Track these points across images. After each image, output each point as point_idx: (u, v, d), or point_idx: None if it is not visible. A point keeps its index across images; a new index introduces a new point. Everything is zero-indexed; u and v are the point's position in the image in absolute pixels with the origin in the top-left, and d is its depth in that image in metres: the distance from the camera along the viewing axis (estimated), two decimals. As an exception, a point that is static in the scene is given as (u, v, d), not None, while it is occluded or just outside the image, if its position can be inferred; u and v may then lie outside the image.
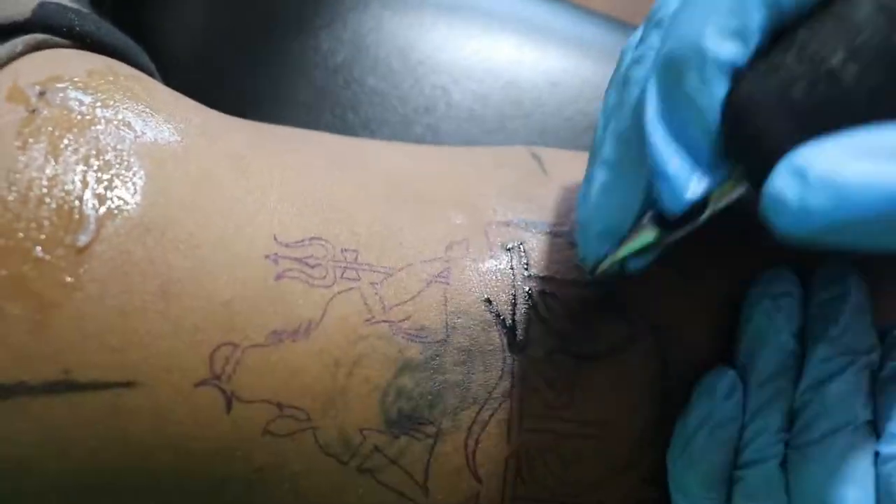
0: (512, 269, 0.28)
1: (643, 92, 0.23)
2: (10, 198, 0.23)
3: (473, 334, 0.27)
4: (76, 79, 0.25)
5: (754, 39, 0.20)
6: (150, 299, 0.24)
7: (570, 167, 0.32)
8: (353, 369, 0.25)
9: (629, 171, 0.24)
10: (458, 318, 0.27)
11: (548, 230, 0.29)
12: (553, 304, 0.28)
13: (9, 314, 0.22)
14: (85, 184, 0.24)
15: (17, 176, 0.23)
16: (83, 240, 0.23)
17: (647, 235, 0.24)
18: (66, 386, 0.23)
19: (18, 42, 0.25)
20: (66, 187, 0.23)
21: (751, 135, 0.20)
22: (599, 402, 0.27)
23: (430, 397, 0.26)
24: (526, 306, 0.27)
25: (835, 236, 0.18)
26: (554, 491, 0.27)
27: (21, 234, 0.23)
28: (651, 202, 0.24)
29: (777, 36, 0.21)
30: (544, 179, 0.31)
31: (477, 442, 0.27)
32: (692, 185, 0.21)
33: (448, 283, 0.27)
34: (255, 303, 0.25)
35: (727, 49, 0.20)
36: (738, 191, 0.22)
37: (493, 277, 0.27)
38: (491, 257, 0.28)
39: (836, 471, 0.24)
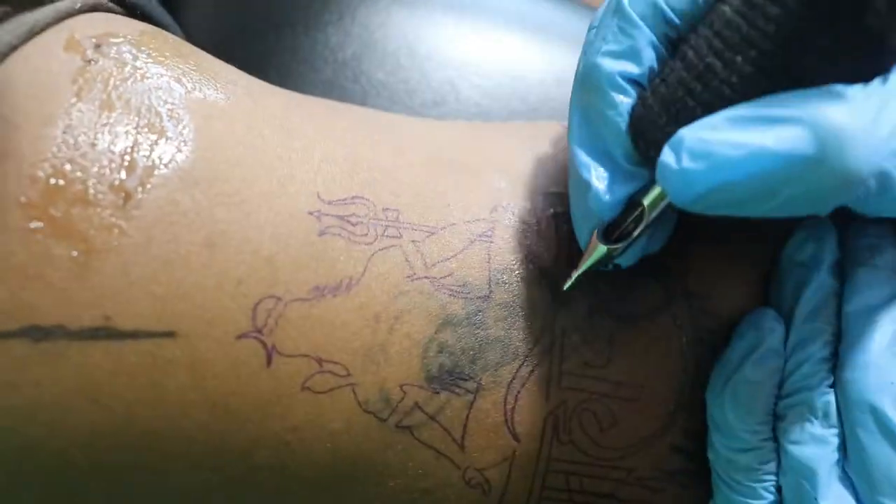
0: (556, 231, 0.28)
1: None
2: (63, 142, 0.23)
3: (516, 291, 0.27)
4: (129, 36, 0.26)
5: (647, 55, 0.24)
6: (195, 250, 0.23)
7: None
8: (394, 325, 0.25)
9: (581, 190, 0.26)
10: (502, 274, 0.27)
11: None
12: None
13: (55, 254, 0.22)
14: (136, 133, 0.24)
15: (71, 121, 0.23)
16: (132, 186, 0.23)
17: (599, 250, 0.26)
18: (106, 333, 0.23)
19: (77, 0, 0.25)
20: (117, 135, 0.23)
21: (650, 137, 0.23)
22: (635, 364, 0.28)
23: (471, 352, 0.26)
24: (568, 267, 0.28)
25: (720, 199, 0.21)
26: (589, 454, 0.27)
27: (72, 177, 0.22)
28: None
29: (670, 47, 0.24)
30: None
31: (516, 399, 0.27)
32: (607, 193, 0.24)
33: (492, 242, 0.27)
34: (298, 258, 0.25)
35: (618, 67, 0.24)
36: (667, 200, 0.24)
37: (538, 238, 0.28)
38: (536, 221, 0.28)
39: (889, 386, 0.24)
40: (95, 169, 0.23)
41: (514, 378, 0.27)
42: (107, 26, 0.26)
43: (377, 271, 0.26)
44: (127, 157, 0.23)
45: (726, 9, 0.22)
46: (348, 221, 0.26)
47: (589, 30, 0.26)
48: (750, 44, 0.21)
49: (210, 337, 0.24)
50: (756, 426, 0.26)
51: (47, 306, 0.22)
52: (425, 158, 0.29)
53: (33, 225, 0.22)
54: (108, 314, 0.23)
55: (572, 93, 0.26)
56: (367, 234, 0.26)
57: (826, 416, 0.25)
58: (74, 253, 0.22)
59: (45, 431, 0.23)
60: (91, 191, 0.23)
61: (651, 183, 0.24)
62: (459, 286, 0.26)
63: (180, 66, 0.26)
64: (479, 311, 0.26)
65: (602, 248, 0.26)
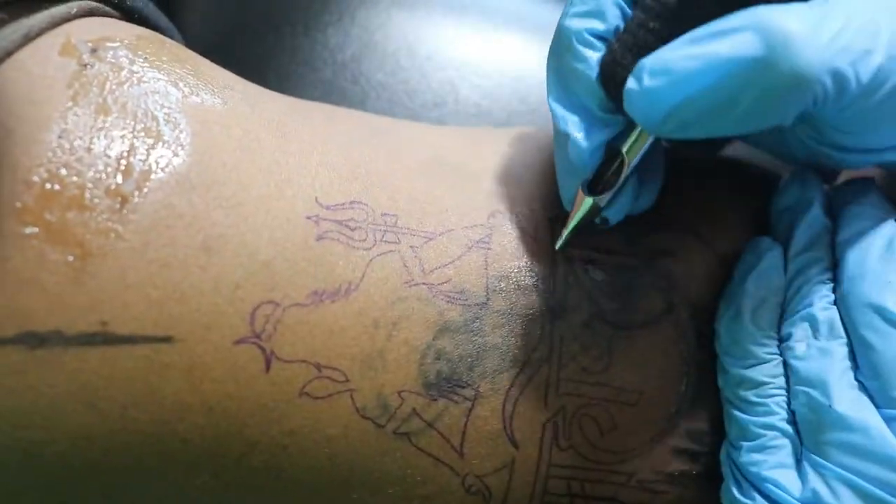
0: (554, 238, 0.28)
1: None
2: (59, 146, 0.22)
3: (514, 298, 0.27)
4: (126, 40, 0.25)
5: (612, 13, 0.25)
6: (192, 254, 0.23)
7: None
8: (392, 331, 0.25)
9: (563, 145, 0.27)
10: (500, 282, 0.27)
11: None
12: (593, 274, 0.28)
13: (50, 259, 0.22)
14: (133, 137, 0.23)
15: (67, 126, 0.23)
16: (128, 190, 0.23)
17: (585, 204, 0.26)
18: (103, 338, 0.22)
19: (74, 5, 0.25)
20: (113, 139, 0.23)
21: (615, 82, 0.24)
22: (635, 370, 0.28)
23: (469, 360, 0.26)
24: (567, 274, 0.28)
25: (685, 118, 0.22)
26: (589, 459, 0.27)
27: (68, 181, 0.22)
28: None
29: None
30: None
31: (514, 406, 0.27)
32: (586, 140, 0.25)
33: (490, 248, 0.27)
34: (296, 262, 0.25)
35: (585, 25, 0.25)
36: (648, 141, 0.25)
37: (536, 245, 0.28)
38: (534, 227, 0.28)
39: (887, 285, 0.24)
40: (91, 173, 0.23)
41: (512, 385, 0.27)
42: (103, 31, 0.25)
43: (376, 277, 0.26)
44: (123, 162, 0.23)
45: None
46: (346, 226, 0.26)
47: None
48: None
49: (207, 341, 0.23)
50: (763, 339, 0.26)
51: (43, 312, 0.22)
52: (423, 163, 0.29)
53: (28, 230, 0.22)
54: (104, 319, 0.22)
55: (548, 58, 0.27)
56: (365, 239, 0.26)
57: (830, 328, 0.25)
58: (70, 258, 0.22)
59: (43, 435, 0.23)
60: (87, 195, 0.22)
61: (627, 129, 0.26)
62: (457, 293, 0.26)
63: (177, 71, 0.26)
64: (477, 319, 0.26)
65: (588, 201, 0.26)
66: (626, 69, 0.24)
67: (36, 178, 0.22)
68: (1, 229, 0.22)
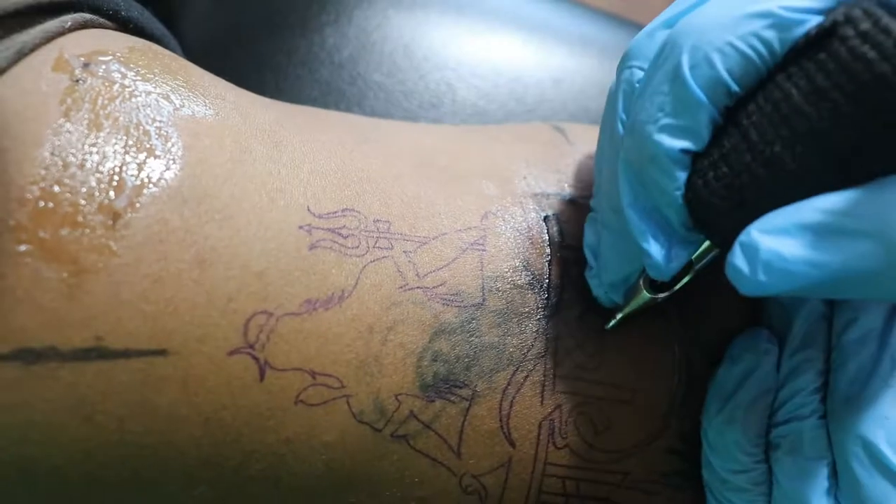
0: (547, 236, 0.28)
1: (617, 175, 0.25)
2: (52, 163, 0.23)
3: (509, 297, 0.27)
4: (118, 53, 0.26)
5: (704, 134, 0.23)
6: (185, 268, 0.23)
7: (592, 137, 0.33)
8: (388, 335, 0.26)
9: (627, 237, 0.26)
10: (495, 282, 0.27)
11: (580, 201, 0.30)
12: (585, 269, 0.28)
13: (44, 277, 0.22)
14: (125, 152, 0.24)
15: (59, 142, 0.23)
16: (121, 206, 0.23)
17: (643, 297, 0.26)
18: (98, 353, 0.23)
19: (68, 19, 0.25)
20: (106, 155, 0.23)
21: (710, 219, 0.23)
22: (629, 367, 0.28)
23: (466, 360, 0.26)
24: (561, 271, 0.28)
25: (787, 293, 0.21)
26: (584, 458, 0.28)
27: (61, 198, 0.23)
28: None
29: (728, 114, 0.23)
30: (570, 150, 0.32)
31: (511, 404, 0.27)
32: (668, 261, 0.24)
33: (484, 250, 0.27)
34: (289, 272, 0.25)
35: (678, 144, 0.23)
36: (715, 253, 0.25)
37: (530, 244, 0.28)
38: (527, 226, 0.28)
39: (883, 421, 0.24)
40: (84, 190, 0.23)
41: (508, 384, 0.27)
42: (96, 44, 0.26)
43: (369, 283, 0.26)
44: (116, 177, 0.23)
45: (793, 91, 0.21)
46: (339, 234, 0.26)
47: (626, 64, 0.25)
48: (821, 138, 0.20)
49: (201, 353, 0.24)
50: (750, 448, 0.26)
51: (38, 328, 0.22)
52: (414, 167, 0.29)
53: (22, 248, 0.22)
54: (99, 334, 0.23)
55: (624, 155, 0.25)
56: (358, 246, 0.26)
57: (816, 450, 0.25)
58: (64, 274, 0.22)
59: (39, 450, 0.23)
60: (80, 212, 0.23)
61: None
62: (452, 295, 0.27)
63: (169, 83, 0.26)
64: (473, 319, 0.27)
65: (645, 295, 0.26)
66: (726, 215, 0.22)
67: (29, 196, 0.22)
68: None
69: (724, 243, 0.23)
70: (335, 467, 0.26)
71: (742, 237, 0.21)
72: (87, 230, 0.23)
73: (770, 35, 0.21)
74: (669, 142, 0.23)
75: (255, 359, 0.24)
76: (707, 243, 0.25)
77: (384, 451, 0.26)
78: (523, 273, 0.28)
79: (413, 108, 0.47)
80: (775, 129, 0.21)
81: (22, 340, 0.22)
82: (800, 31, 0.21)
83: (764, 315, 0.28)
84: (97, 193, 0.23)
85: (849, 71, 0.19)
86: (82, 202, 0.23)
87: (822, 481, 0.25)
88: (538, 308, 0.27)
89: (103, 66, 0.25)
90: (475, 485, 0.27)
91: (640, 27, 0.49)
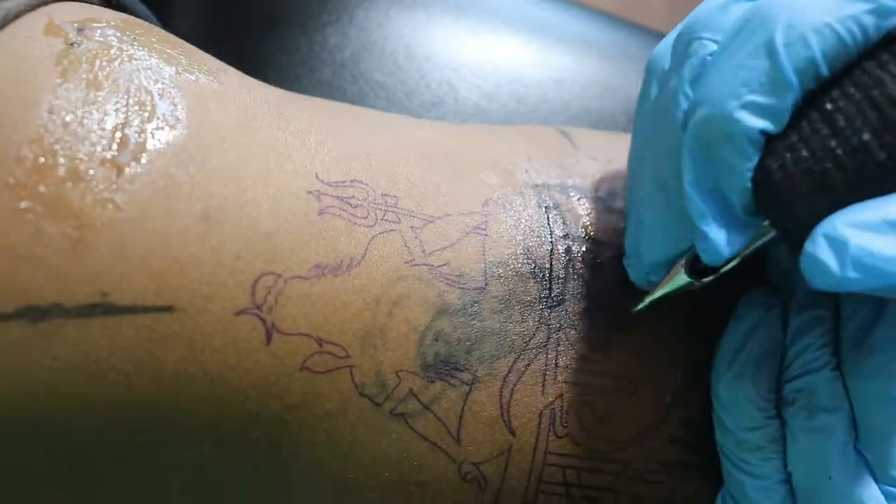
0: (549, 226, 0.28)
1: (679, 149, 0.24)
2: (50, 122, 0.22)
3: (512, 284, 0.27)
4: (112, 22, 0.25)
5: (786, 116, 0.21)
6: (191, 224, 0.23)
7: (596, 142, 0.32)
8: (393, 309, 0.25)
9: (676, 216, 0.25)
10: (498, 267, 0.27)
11: (583, 195, 0.29)
12: (589, 263, 0.28)
13: (47, 233, 0.22)
14: (127, 111, 0.23)
15: (58, 102, 0.22)
16: (124, 161, 0.23)
17: (681, 279, 0.25)
18: (104, 309, 0.22)
19: None
20: (107, 112, 0.23)
21: (786, 204, 0.22)
22: (632, 358, 0.27)
23: (467, 343, 0.26)
24: (563, 262, 0.28)
25: (865, 290, 0.20)
26: (585, 448, 0.27)
27: (62, 154, 0.22)
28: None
29: (806, 98, 0.22)
30: (574, 151, 0.31)
31: (512, 392, 0.26)
32: (727, 245, 0.23)
33: (486, 235, 0.27)
34: (298, 235, 0.24)
35: (760, 124, 0.21)
36: (764, 239, 0.23)
37: (531, 233, 0.28)
38: (527, 214, 0.28)
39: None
40: (85, 146, 0.22)
41: (509, 371, 0.26)
42: (87, 13, 0.25)
43: (377, 254, 0.25)
44: (118, 134, 0.23)
45: (886, 78, 0.20)
46: (348, 203, 0.25)
47: (694, 34, 0.24)
48: None
49: (208, 312, 0.23)
50: (762, 403, 0.25)
51: (42, 285, 0.22)
52: (419, 153, 0.29)
53: (23, 205, 0.22)
54: (104, 290, 0.22)
55: (692, 129, 0.23)
56: (367, 217, 0.26)
57: (833, 401, 0.24)
58: (68, 230, 0.22)
59: (46, 409, 0.22)
60: (81, 167, 0.22)
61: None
62: (456, 276, 0.26)
63: (168, 51, 0.25)
64: (476, 302, 0.26)
65: (683, 279, 0.25)
66: (802, 199, 0.21)
67: (27, 154, 0.22)
68: None
69: (795, 231, 0.22)
70: (336, 438, 0.25)
71: (826, 230, 0.20)
72: (90, 184, 0.22)
73: (868, 21, 0.20)
74: (751, 120, 0.21)
75: (263, 320, 0.24)
76: (763, 230, 0.23)
77: (383, 429, 0.26)
78: (525, 261, 0.27)
79: (414, 107, 0.47)
80: (864, 117, 0.20)
81: (26, 298, 0.22)
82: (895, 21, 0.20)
83: (766, 274, 0.28)
84: (99, 149, 0.22)
85: None
86: (83, 158, 0.22)
87: (841, 433, 0.24)
88: (540, 298, 0.27)
89: (99, 31, 0.24)
90: (474, 472, 0.27)
91: (641, 28, 0.49)
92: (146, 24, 0.27)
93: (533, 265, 0.27)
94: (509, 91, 0.47)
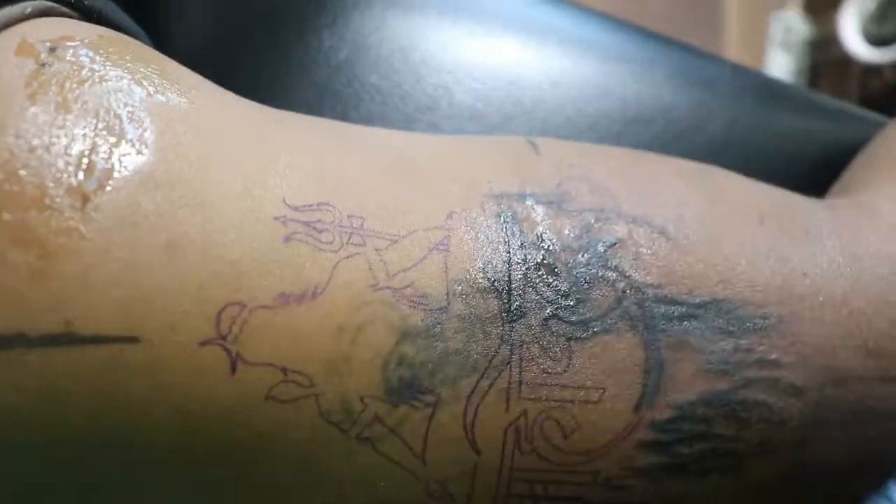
0: (506, 237, 0.28)
1: None
2: (16, 146, 0.22)
3: (472, 302, 0.27)
4: (87, 39, 0.25)
5: None
6: (156, 253, 0.23)
7: (562, 149, 0.32)
8: (358, 335, 0.25)
9: None
10: (458, 285, 0.27)
11: (539, 201, 0.29)
12: (545, 271, 0.28)
13: (10, 261, 0.22)
14: (94, 135, 0.23)
15: (25, 126, 0.22)
16: (90, 188, 0.23)
17: None
18: (67, 339, 0.22)
19: (27, 5, 0.25)
20: (75, 138, 0.23)
21: None
22: (595, 366, 0.27)
23: (430, 365, 0.26)
24: (521, 273, 0.27)
25: None
26: (552, 461, 0.27)
27: (27, 181, 0.22)
28: None
29: None
30: (537, 159, 0.31)
31: (476, 412, 0.26)
32: None
33: (448, 251, 0.27)
34: (263, 264, 0.24)
35: None
36: None
37: (489, 245, 0.28)
38: (486, 226, 0.28)
39: None
40: (51, 172, 0.22)
41: (473, 391, 0.26)
42: (62, 30, 0.25)
43: (342, 280, 0.25)
44: (85, 160, 0.23)
45: None
46: (314, 227, 0.25)
47: None
48: None
49: (173, 342, 0.23)
50: None
51: (5, 314, 0.22)
52: (388, 164, 0.28)
53: None
54: (68, 319, 0.22)
55: None
56: (332, 241, 0.26)
57: None
58: (31, 258, 0.22)
59: (9, 434, 0.23)
60: (47, 194, 0.22)
61: None
62: (419, 297, 0.26)
63: (141, 70, 0.25)
64: (438, 323, 0.26)
65: None
66: None
67: None
68: None
69: None
70: (304, 465, 0.26)
71: None
72: (55, 212, 0.22)
73: None
74: None
75: (227, 351, 0.24)
76: None
77: (350, 453, 0.26)
78: (483, 276, 0.27)
79: (409, 111, 0.47)
80: None
81: None
82: None
83: None
84: (65, 176, 0.22)
85: None
86: (50, 184, 0.22)
87: None
88: (500, 312, 0.27)
89: (71, 51, 0.24)
90: (440, 490, 0.27)
91: (638, 29, 0.49)
92: (123, 39, 0.27)
93: (492, 279, 0.27)
94: (505, 94, 0.47)
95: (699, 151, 0.47)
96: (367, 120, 0.46)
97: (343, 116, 0.46)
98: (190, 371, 0.24)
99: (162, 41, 0.47)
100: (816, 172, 0.46)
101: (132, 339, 0.23)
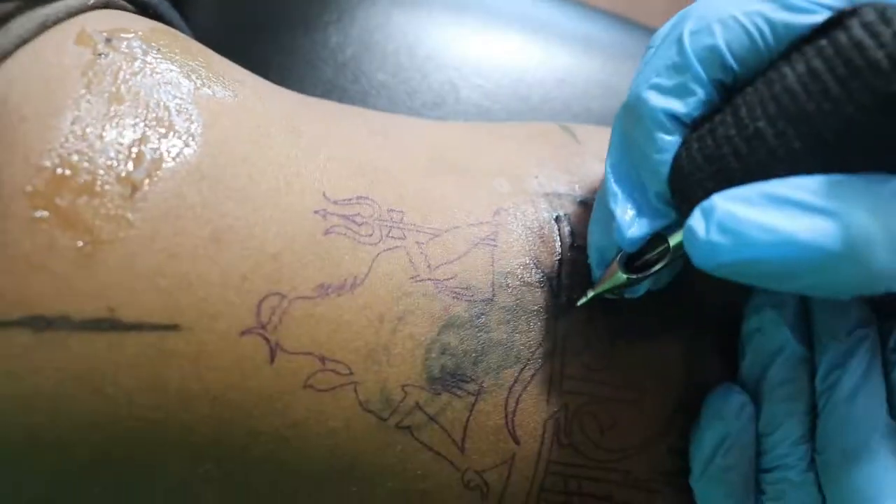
0: (559, 236, 0.28)
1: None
2: (71, 132, 0.23)
3: (519, 294, 0.27)
4: (140, 32, 0.26)
5: (696, 97, 0.23)
6: (200, 244, 0.23)
7: (601, 137, 0.33)
8: (398, 325, 0.25)
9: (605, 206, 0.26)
10: (506, 278, 0.27)
11: (590, 203, 0.29)
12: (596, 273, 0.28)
13: (59, 244, 0.22)
14: (145, 126, 0.24)
15: (80, 113, 0.23)
16: (139, 178, 0.23)
17: (618, 277, 0.26)
18: (110, 324, 0.23)
19: None
20: (125, 128, 0.23)
21: (687, 188, 0.23)
22: (636, 367, 0.28)
23: (473, 355, 0.26)
24: (570, 272, 0.28)
25: (742, 272, 0.21)
26: (588, 457, 0.28)
27: (80, 167, 0.22)
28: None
29: (725, 95, 0.23)
30: (579, 149, 0.32)
31: (517, 402, 0.27)
32: (632, 227, 0.24)
33: (496, 245, 0.27)
34: (303, 256, 0.25)
35: (663, 104, 0.23)
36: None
37: (541, 243, 0.28)
38: (539, 225, 0.28)
39: (874, 479, 0.24)
40: (103, 160, 0.23)
41: (515, 381, 0.27)
42: (118, 22, 0.26)
43: (382, 272, 0.26)
44: (135, 150, 0.23)
45: (788, 72, 0.21)
46: (353, 221, 0.26)
47: (647, 49, 0.25)
48: (805, 119, 0.20)
49: (214, 331, 0.24)
50: (736, 500, 0.26)
51: (51, 296, 0.22)
52: (428, 161, 0.29)
53: (38, 214, 0.22)
54: (111, 306, 0.23)
55: (618, 114, 0.25)
56: (371, 235, 0.26)
57: (807, 495, 0.25)
58: (80, 243, 0.22)
59: (46, 420, 0.23)
60: (98, 182, 0.23)
61: (678, 223, 0.24)
62: (463, 289, 0.26)
63: (189, 63, 0.26)
64: (483, 314, 0.26)
65: (621, 277, 0.26)
66: (699, 184, 0.22)
67: (47, 163, 0.22)
68: (11, 212, 0.22)
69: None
70: (339, 454, 0.26)
71: (703, 202, 0.21)
72: (105, 200, 0.23)
73: (777, 17, 0.22)
74: (656, 100, 0.23)
75: (267, 340, 0.24)
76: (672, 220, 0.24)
77: (388, 441, 0.26)
78: (534, 271, 0.28)
79: (416, 107, 0.47)
80: (763, 107, 0.21)
81: (33, 307, 0.22)
82: (808, 21, 0.21)
83: (740, 365, 0.28)
84: (116, 164, 0.23)
85: (844, 55, 0.20)
86: (100, 172, 0.23)
87: None
88: (548, 307, 0.27)
89: (125, 43, 0.25)
90: (477, 480, 0.27)
91: (642, 27, 0.49)
92: (172, 32, 0.27)
93: (541, 275, 0.28)
94: (511, 91, 0.48)
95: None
96: (374, 116, 0.47)
97: (349, 113, 0.46)
98: (230, 359, 0.24)
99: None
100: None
101: (174, 327, 0.23)
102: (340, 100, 0.47)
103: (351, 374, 0.25)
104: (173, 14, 0.30)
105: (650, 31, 0.49)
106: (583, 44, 0.49)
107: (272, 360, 0.24)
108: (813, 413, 0.26)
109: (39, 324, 0.22)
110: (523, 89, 0.48)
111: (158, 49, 0.26)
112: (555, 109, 0.47)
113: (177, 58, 0.26)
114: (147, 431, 0.24)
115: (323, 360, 0.25)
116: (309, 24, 0.48)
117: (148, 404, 0.23)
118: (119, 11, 0.27)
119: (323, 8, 0.48)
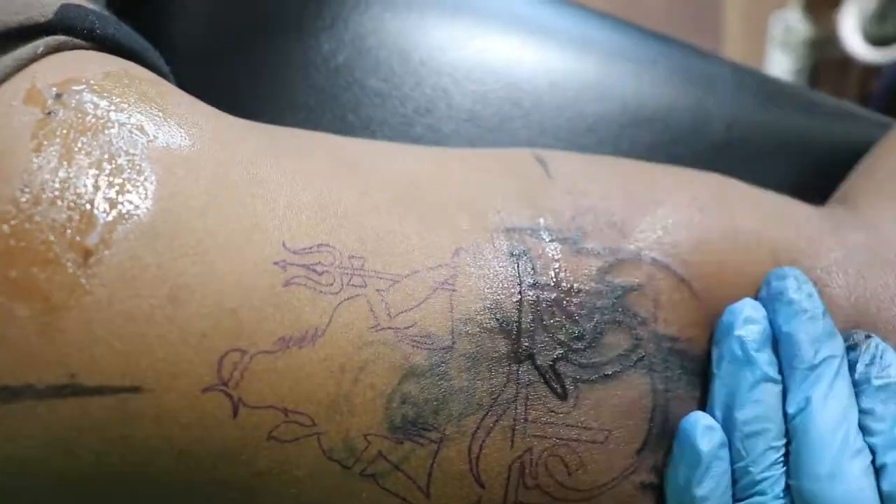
0: (518, 276, 0.28)
1: None
2: (23, 199, 0.23)
3: (479, 341, 0.27)
4: (92, 81, 0.25)
5: None
6: (158, 304, 0.24)
7: (574, 169, 0.32)
8: (359, 375, 0.26)
9: None
10: (465, 325, 0.27)
11: (554, 237, 0.29)
12: (558, 313, 0.28)
13: (16, 315, 0.22)
14: (96, 188, 0.24)
15: (30, 178, 0.23)
16: (93, 243, 0.23)
17: None
18: (72, 390, 0.23)
19: (40, 44, 0.25)
20: (77, 191, 0.23)
21: None
22: (603, 409, 0.28)
23: (434, 403, 0.26)
24: (532, 314, 0.28)
25: None
26: (555, 497, 0.28)
27: (32, 236, 0.23)
28: None
29: None
30: (549, 183, 0.31)
31: (481, 448, 0.27)
32: None
33: (454, 290, 0.27)
34: (263, 310, 0.25)
35: None
36: None
37: (500, 284, 0.28)
38: (497, 264, 0.28)
39: (850, 502, 0.25)
40: (55, 226, 0.23)
41: (478, 428, 0.27)
42: (70, 70, 0.25)
43: (342, 321, 0.26)
44: (87, 214, 0.23)
45: None
46: (314, 270, 0.26)
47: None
48: None
49: (175, 390, 0.24)
50: None
51: (13, 367, 0.22)
52: (392, 197, 0.28)
53: None
54: (73, 371, 0.23)
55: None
56: (332, 284, 0.26)
57: None
58: (37, 313, 0.23)
59: (18, 482, 0.24)
60: (51, 249, 0.23)
61: None
62: (423, 337, 0.26)
63: (144, 113, 0.25)
64: (443, 363, 0.26)
65: None
66: None
67: None
68: None
69: None
70: (305, 501, 0.26)
71: None
72: (59, 267, 0.23)
73: None
74: None
75: (229, 396, 0.24)
76: None
77: (353, 489, 0.26)
78: (492, 316, 0.27)
79: (408, 113, 0.47)
80: None
81: (1, 378, 0.22)
82: None
83: (709, 394, 0.29)
84: (68, 231, 0.23)
85: None
86: (53, 239, 0.23)
87: None
88: (509, 353, 0.27)
89: (76, 97, 0.25)
90: None
91: (637, 27, 0.48)
92: (128, 75, 0.27)
93: (501, 319, 0.27)
94: (504, 95, 0.47)
95: (699, 151, 0.47)
96: (367, 123, 0.46)
97: (342, 120, 0.46)
98: (193, 417, 0.24)
99: (162, 43, 0.47)
100: (816, 172, 0.46)
101: (135, 389, 0.23)
102: (332, 106, 0.47)
103: (314, 424, 0.25)
104: (136, 40, 0.29)
105: (645, 31, 0.47)
106: (577, 46, 0.48)
107: (235, 414, 0.24)
108: (786, 438, 0.27)
109: (7, 395, 0.22)
110: (516, 94, 0.47)
111: (110, 100, 0.25)
112: (548, 114, 0.46)
113: (130, 108, 0.25)
114: (116, 486, 0.24)
115: (286, 412, 0.25)
116: (301, 29, 0.47)
117: (116, 462, 0.24)
118: (73, 53, 0.26)
119: (315, 14, 0.48)
